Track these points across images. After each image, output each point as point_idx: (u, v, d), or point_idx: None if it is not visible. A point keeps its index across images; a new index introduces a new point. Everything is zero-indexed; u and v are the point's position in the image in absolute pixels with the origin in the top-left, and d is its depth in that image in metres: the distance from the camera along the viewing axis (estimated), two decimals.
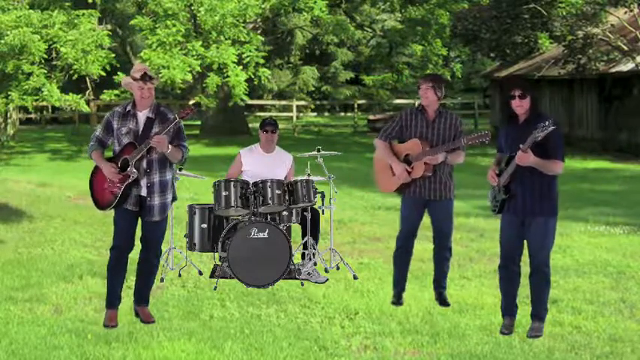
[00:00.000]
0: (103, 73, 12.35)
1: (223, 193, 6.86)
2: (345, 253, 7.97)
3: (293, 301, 6.51)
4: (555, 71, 21.97)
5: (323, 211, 7.62)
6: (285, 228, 7.08)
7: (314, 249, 7.35)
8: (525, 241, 5.62)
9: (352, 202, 11.65)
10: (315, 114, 35.95)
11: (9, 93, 11.40)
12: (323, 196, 7.51)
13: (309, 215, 7.32)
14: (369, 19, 33.09)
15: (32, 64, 11.50)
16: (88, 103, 14.92)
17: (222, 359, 5.28)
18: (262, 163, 7.35)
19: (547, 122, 5.19)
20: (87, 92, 18.09)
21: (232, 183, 6.92)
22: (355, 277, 7.22)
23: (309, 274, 7.09)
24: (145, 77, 5.70)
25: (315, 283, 6.98)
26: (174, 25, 13.44)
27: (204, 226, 7.15)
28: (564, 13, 19.44)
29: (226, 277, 6.92)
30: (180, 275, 7.28)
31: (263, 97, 37.66)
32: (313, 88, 39.32)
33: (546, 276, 5.61)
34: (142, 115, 5.77)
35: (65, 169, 17.02)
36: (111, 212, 5.85)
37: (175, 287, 6.95)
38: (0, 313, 6.14)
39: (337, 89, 40.30)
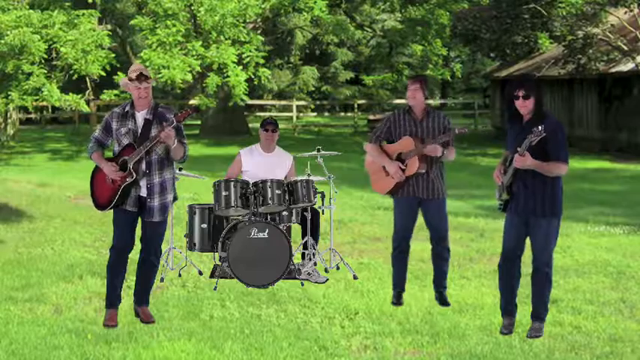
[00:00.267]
0: (103, 73, 12.36)
1: (223, 193, 6.86)
2: (345, 253, 7.98)
3: (293, 301, 6.51)
4: (555, 71, 21.98)
5: (323, 211, 7.62)
6: (285, 228, 7.08)
7: (314, 249, 7.35)
8: (528, 241, 5.62)
9: (352, 202, 11.65)
10: (315, 114, 35.95)
11: (9, 93, 11.41)
12: (323, 196, 7.51)
13: (309, 215, 7.32)
14: (369, 19, 33.10)
15: (32, 64, 11.51)
16: (88, 103, 14.92)
17: (222, 359, 5.28)
18: (262, 164, 7.35)
19: (541, 128, 5.18)
20: (87, 92, 18.08)
21: (232, 183, 6.91)
22: (355, 277, 7.22)
23: (309, 274, 7.09)
24: (141, 77, 5.70)
25: (315, 283, 6.98)
26: (174, 25, 13.46)
27: (204, 226, 7.15)
28: (564, 13, 19.46)
29: (226, 277, 6.92)
30: (180, 275, 7.28)
31: (263, 97, 37.69)
32: (313, 88, 39.34)
33: (548, 276, 5.61)
34: (141, 116, 5.78)
35: (65, 169, 17.02)
36: (111, 212, 5.85)
37: (175, 287, 6.95)
38: (0, 313, 6.14)
39: (337, 89, 40.32)
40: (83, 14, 13.06)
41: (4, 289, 6.86)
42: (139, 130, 5.73)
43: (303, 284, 6.92)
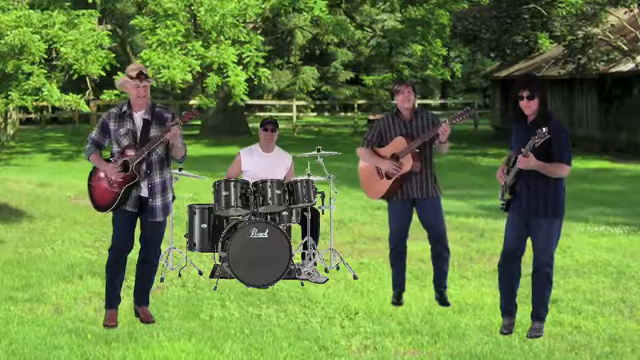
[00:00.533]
0: (103, 73, 12.37)
1: (223, 193, 6.86)
2: (345, 253, 7.98)
3: (293, 301, 6.51)
4: (555, 71, 21.98)
5: (323, 211, 7.62)
6: (285, 228, 7.08)
7: (314, 249, 7.35)
8: (529, 242, 5.62)
9: (352, 202, 11.65)
10: (315, 114, 35.96)
11: (9, 93, 11.41)
12: (323, 196, 7.51)
13: (309, 215, 7.32)
14: (369, 19, 33.11)
15: (32, 64, 11.51)
16: (88, 103, 14.92)
17: (222, 359, 5.28)
18: (262, 164, 7.36)
19: (545, 130, 5.18)
20: (87, 92, 18.09)
21: (232, 183, 6.91)
22: (355, 277, 7.22)
23: (309, 274, 7.09)
24: (141, 75, 5.70)
25: (315, 283, 6.98)
26: (174, 25, 13.46)
27: (204, 226, 7.15)
28: (564, 13, 19.46)
29: (226, 277, 6.92)
30: (180, 275, 7.27)
31: (263, 97, 37.69)
32: (313, 88, 39.35)
33: (549, 276, 5.61)
34: (139, 116, 5.76)
35: (65, 169, 17.02)
36: (111, 212, 5.84)
37: (175, 287, 6.95)
38: (0, 313, 6.14)
39: (337, 89, 40.33)
40: (83, 14, 13.06)
41: (4, 289, 6.86)
42: (139, 131, 5.73)
43: (303, 284, 6.92)
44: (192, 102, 24.57)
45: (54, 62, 12.89)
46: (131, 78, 5.70)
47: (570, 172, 5.51)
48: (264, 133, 7.41)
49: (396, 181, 6.27)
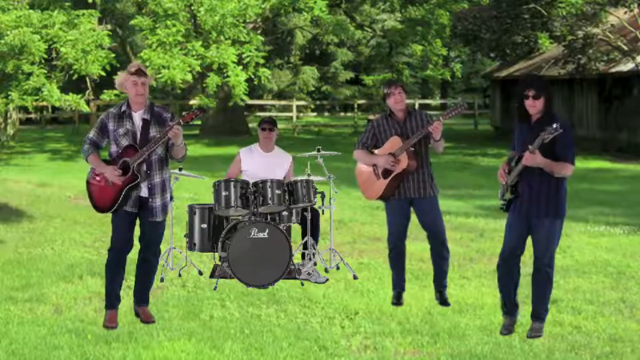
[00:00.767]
0: (103, 73, 12.37)
1: (223, 193, 6.86)
2: (345, 253, 7.98)
3: (293, 301, 6.51)
4: (555, 71, 21.98)
5: (323, 211, 7.62)
6: (285, 228, 7.08)
7: (314, 249, 7.35)
8: (530, 241, 5.62)
9: (352, 202, 11.65)
10: (315, 114, 35.95)
11: (9, 93, 11.42)
12: (323, 196, 7.51)
13: (309, 215, 7.32)
14: (369, 19, 33.11)
15: (32, 64, 11.52)
16: (88, 103, 14.94)
17: (222, 359, 5.28)
18: (262, 163, 7.36)
19: (556, 125, 5.18)
20: (87, 92, 18.11)
21: (232, 183, 6.91)
22: (355, 277, 7.22)
23: (309, 274, 7.09)
24: (140, 71, 5.71)
25: (315, 283, 6.98)
26: (174, 25, 13.47)
27: (204, 226, 7.15)
28: (564, 13, 19.46)
29: (226, 277, 6.91)
30: (180, 275, 7.28)
31: (263, 97, 37.68)
32: (313, 88, 39.35)
33: (549, 277, 5.60)
34: (138, 116, 5.75)
35: (65, 169, 17.02)
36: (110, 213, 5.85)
37: (175, 287, 6.95)
38: (0, 313, 6.14)
39: (337, 89, 40.32)
40: (83, 14, 13.08)
41: (4, 289, 6.86)
42: (138, 131, 5.73)
43: (303, 284, 6.92)
44: (192, 102, 24.59)
45: (54, 62, 12.91)
46: (130, 74, 5.71)
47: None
48: (263, 132, 7.41)
49: (393, 181, 6.25)
